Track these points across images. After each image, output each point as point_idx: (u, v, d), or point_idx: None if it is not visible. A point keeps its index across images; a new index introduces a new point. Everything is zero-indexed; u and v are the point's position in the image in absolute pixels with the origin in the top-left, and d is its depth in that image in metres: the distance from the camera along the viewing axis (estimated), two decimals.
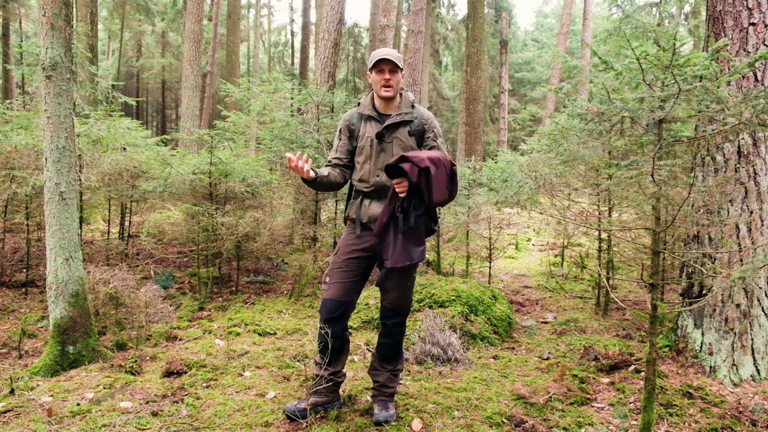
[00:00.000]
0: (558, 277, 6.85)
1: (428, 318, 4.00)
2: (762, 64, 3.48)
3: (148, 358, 3.69)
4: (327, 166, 2.93)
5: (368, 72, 2.82)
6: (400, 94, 2.86)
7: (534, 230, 11.35)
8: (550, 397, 3.05)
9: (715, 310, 3.52)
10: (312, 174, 2.70)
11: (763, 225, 3.46)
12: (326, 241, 6.47)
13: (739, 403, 2.95)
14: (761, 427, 2.74)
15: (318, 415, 2.80)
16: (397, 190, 2.59)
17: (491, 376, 3.51)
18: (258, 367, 3.56)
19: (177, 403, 2.94)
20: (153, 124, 31.16)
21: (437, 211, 3.49)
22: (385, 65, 2.73)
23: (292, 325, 4.58)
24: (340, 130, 2.93)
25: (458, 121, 23.13)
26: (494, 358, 3.92)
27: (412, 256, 2.65)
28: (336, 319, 2.75)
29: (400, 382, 3.21)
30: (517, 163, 6.80)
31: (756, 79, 3.50)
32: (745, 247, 3.44)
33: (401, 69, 2.78)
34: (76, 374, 3.33)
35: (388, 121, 2.80)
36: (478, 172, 7.03)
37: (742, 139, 3.49)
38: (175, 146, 10.94)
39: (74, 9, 10.06)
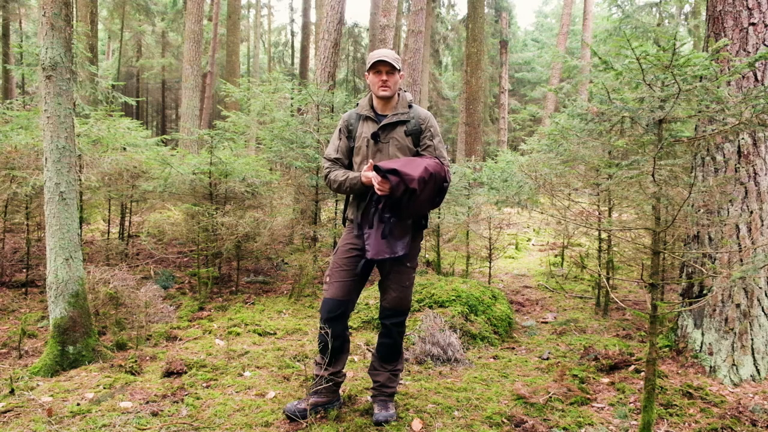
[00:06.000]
0: (558, 277, 6.85)
1: (428, 318, 4.00)
2: (762, 64, 3.48)
3: (148, 358, 3.69)
4: (330, 162, 2.89)
5: (366, 73, 2.84)
6: (398, 95, 2.86)
7: (534, 230, 11.35)
8: (550, 397, 3.05)
9: (715, 310, 3.52)
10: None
11: (763, 225, 3.46)
12: (326, 241, 6.47)
13: (739, 403, 2.95)
14: (761, 427, 2.74)
15: (318, 415, 2.80)
16: (375, 186, 2.61)
17: (491, 376, 3.51)
18: (258, 367, 3.56)
19: (177, 403, 2.94)
20: (153, 124, 31.17)
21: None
22: (382, 66, 2.75)
23: (292, 325, 4.58)
24: (340, 130, 2.93)
25: (458, 121, 23.13)
26: (494, 358, 3.92)
27: (394, 250, 2.67)
28: (336, 318, 2.75)
29: (400, 382, 3.21)
30: (517, 163, 6.80)
31: (756, 79, 3.50)
32: (745, 247, 3.44)
33: (399, 70, 2.80)
34: (76, 374, 3.33)
35: (384, 121, 2.80)
36: (478, 172, 7.04)
37: (742, 139, 3.49)
38: (175, 146, 10.94)
39: (74, 9, 10.06)
